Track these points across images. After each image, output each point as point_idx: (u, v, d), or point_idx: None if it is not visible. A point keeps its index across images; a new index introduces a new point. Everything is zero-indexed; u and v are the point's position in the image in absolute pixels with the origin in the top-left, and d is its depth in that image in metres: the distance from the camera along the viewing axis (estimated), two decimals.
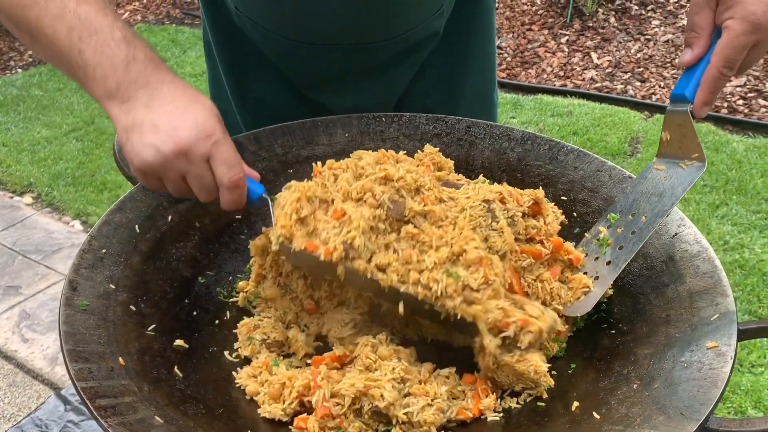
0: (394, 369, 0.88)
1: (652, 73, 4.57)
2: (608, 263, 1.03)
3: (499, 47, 5.07)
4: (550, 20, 5.20)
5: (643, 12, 4.98)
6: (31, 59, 5.77)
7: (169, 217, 1.15)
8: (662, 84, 4.47)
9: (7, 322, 2.91)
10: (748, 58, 0.95)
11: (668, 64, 4.59)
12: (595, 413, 0.84)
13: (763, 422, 0.73)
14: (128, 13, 6.31)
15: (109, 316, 0.94)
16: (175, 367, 0.92)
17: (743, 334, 0.86)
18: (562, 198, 1.21)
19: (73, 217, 3.69)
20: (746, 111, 4.14)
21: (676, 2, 4.95)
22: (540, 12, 5.30)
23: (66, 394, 1.92)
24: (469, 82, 1.51)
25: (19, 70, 5.58)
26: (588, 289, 1.02)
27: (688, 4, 4.86)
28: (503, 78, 4.77)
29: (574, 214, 1.18)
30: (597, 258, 1.05)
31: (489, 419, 0.89)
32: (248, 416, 0.88)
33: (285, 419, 0.87)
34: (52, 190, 3.89)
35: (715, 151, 3.83)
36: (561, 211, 1.17)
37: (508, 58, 4.98)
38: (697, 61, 0.97)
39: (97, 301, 0.95)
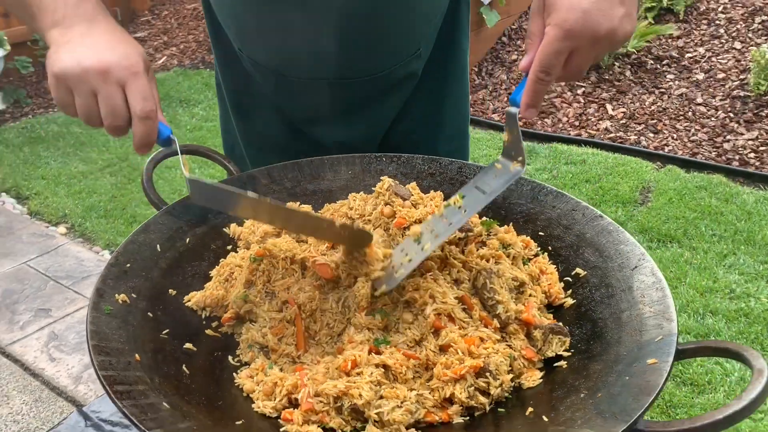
0: (372, 373, 1.00)
1: (665, 125, 4.69)
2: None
3: None
4: None
5: (659, 66, 5.13)
6: None
7: (187, 239, 1.30)
8: (675, 136, 4.58)
9: (37, 342, 3.09)
10: (570, 64, 0.97)
11: (681, 117, 4.70)
12: (544, 417, 0.95)
13: (681, 423, 0.83)
14: (165, 57, 6.65)
15: (129, 320, 1.08)
16: (183, 365, 1.06)
17: (682, 353, 0.97)
18: (540, 233, 1.34)
19: (103, 247, 3.89)
20: (757, 164, 4.22)
21: (690, 57, 5.08)
22: None
23: (87, 411, 2.05)
24: (447, 120, 1.67)
25: None
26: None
27: (690, 55, 4.99)
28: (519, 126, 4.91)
29: (549, 248, 1.31)
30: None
31: (454, 421, 1.00)
32: (243, 408, 1.01)
33: (274, 415, 1.00)
34: (85, 222, 4.11)
35: (725, 202, 3.91)
36: (536, 244, 1.31)
37: None
38: (530, 65, 1.01)
39: (120, 307, 1.09)
